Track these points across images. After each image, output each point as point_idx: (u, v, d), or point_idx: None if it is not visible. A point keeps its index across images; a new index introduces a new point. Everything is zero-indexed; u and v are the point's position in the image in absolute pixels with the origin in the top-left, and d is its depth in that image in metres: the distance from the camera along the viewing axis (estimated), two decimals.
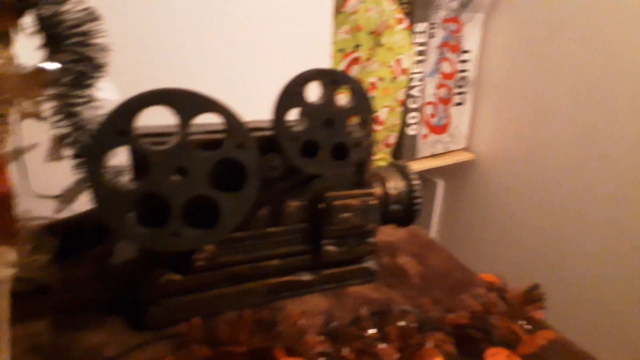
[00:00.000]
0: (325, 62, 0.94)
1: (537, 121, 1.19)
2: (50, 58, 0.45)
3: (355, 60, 1.13)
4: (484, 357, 0.42)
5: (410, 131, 1.26)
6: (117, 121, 0.38)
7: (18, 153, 0.51)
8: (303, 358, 0.36)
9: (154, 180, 0.40)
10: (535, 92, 1.18)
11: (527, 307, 0.46)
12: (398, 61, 1.14)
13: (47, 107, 0.48)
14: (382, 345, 0.41)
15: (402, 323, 0.44)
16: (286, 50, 0.85)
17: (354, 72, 1.12)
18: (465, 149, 1.38)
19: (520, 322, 0.44)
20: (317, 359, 0.38)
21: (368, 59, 1.13)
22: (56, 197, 0.54)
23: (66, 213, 0.56)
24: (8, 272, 0.36)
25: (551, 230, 1.18)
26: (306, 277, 0.50)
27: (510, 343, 0.43)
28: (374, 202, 0.50)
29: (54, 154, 0.52)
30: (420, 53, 1.21)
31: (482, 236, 1.36)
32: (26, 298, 0.45)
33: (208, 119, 0.44)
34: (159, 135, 0.42)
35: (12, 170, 0.54)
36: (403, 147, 1.27)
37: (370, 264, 0.54)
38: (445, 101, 1.31)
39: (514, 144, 1.26)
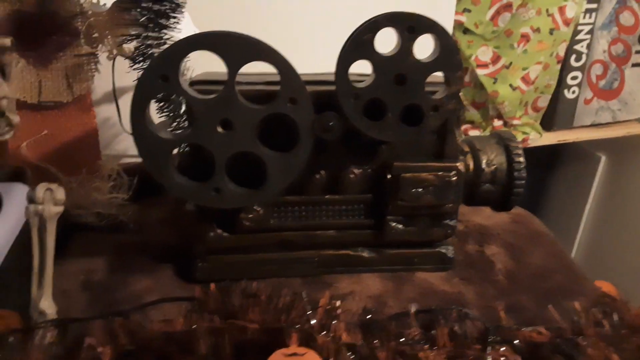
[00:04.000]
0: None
1: None
2: None
3: (507, 7, 0.96)
4: None
5: (569, 94, 1.06)
6: (161, 66, 0.36)
7: (111, 92, 0.54)
8: (316, 351, 0.32)
9: (198, 131, 0.37)
10: None
11: None
12: (562, 9, 0.95)
13: (132, 47, 0.49)
14: (426, 350, 0.34)
15: (458, 327, 0.36)
16: None
17: (503, 20, 0.96)
18: None
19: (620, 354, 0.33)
20: (340, 352, 0.33)
21: (523, 5, 0.96)
22: None
23: None
24: (56, 210, 0.37)
25: None
26: (365, 253, 0.45)
27: None
28: (454, 178, 0.41)
29: None
30: (593, 0, 0.98)
31: None
32: (98, 233, 0.48)
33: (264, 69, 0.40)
34: (208, 83, 0.39)
35: (106, 108, 0.57)
36: (556, 113, 1.07)
37: (446, 249, 0.45)
38: (620, 61, 1.06)
39: None
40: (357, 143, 0.41)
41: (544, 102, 1.06)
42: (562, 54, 1.00)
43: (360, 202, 0.43)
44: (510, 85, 1.00)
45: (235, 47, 0.35)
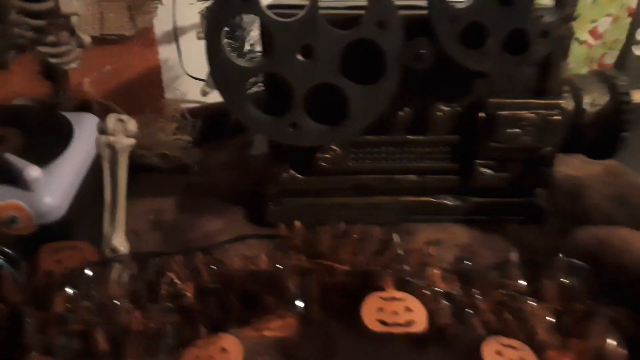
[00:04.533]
0: None
1: None
2: None
3: None
4: None
5: (639, 51, 0.98)
6: None
7: (171, 31, 0.51)
8: (415, 296, 0.29)
9: (276, 59, 0.34)
10: None
11: None
12: None
13: None
14: (532, 303, 0.31)
15: (567, 280, 0.32)
16: None
17: None
18: None
19: None
20: (437, 300, 0.30)
21: None
22: (203, 80, 0.53)
23: (213, 97, 0.55)
24: (128, 142, 0.35)
25: None
26: (449, 201, 0.41)
27: None
28: (557, 118, 0.37)
29: (203, 32, 0.51)
30: None
31: None
32: (163, 175, 0.46)
33: None
34: (288, 7, 0.35)
35: (165, 49, 0.55)
36: (625, 70, 0.99)
37: (539, 199, 0.41)
38: None
39: None
40: (447, 76, 0.36)
41: (611, 58, 0.98)
42: (634, 5, 0.92)
43: (447, 143, 0.39)
44: (577, 39, 0.92)
45: None
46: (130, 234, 0.38)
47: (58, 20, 0.31)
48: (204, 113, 0.50)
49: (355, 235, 0.31)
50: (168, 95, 0.53)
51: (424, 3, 0.34)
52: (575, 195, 0.45)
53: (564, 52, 0.36)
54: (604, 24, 0.93)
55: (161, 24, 0.50)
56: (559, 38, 0.34)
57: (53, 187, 0.29)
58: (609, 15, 0.92)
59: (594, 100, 0.39)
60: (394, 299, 0.29)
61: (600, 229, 0.37)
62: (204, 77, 0.54)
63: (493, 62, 0.34)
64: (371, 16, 0.33)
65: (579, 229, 0.37)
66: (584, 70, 0.98)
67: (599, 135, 0.40)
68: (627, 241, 0.34)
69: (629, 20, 0.95)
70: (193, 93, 0.58)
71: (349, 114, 0.35)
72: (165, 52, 0.55)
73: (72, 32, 0.31)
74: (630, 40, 0.98)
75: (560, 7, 0.33)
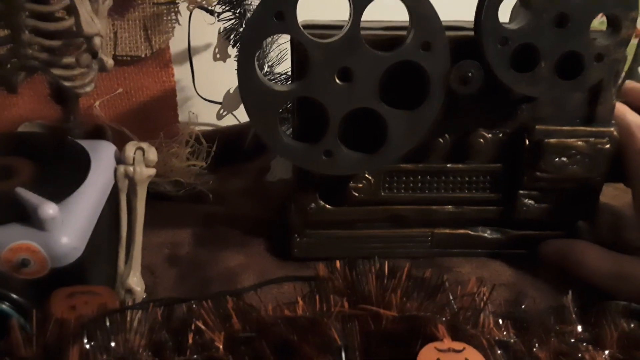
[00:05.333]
0: None
1: None
2: None
3: None
4: None
5: None
6: (276, 1, 0.30)
7: (185, 51, 0.49)
8: (472, 345, 0.26)
9: (312, 82, 0.31)
10: None
11: None
12: None
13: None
14: (594, 352, 0.28)
15: (627, 325, 0.30)
16: None
17: None
18: None
19: None
20: (493, 350, 0.27)
21: None
22: (218, 102, 0.50)
23: (228, 121, 0.53)
24: (148, 172, 0.32)
25: None
26: (487, 234, 0.38)
27: None
28: (608, 147, 0.35)
29: (220, 53, 0.48)
30: None
31: None
32: (177, 203, 0.43)
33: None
34: (327, 27, 0.33)
35: (177, 70, 0.52)
36: None
37: (583, 232, 0.39)
38: None
39: None
40: (492, 101, 0.34)
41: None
42: None
43: (488, 172, 0.37)
44: None
45: None
46: (145, 271, 0.35)
47: (76, 40, 0.28)
48: (219, 137, 0.47)
49: (404, 276, 0.28)
50: (181, 117, 0.50)
51: (470, 24, 0.32)
52: (615, 227, 0.43)
53: (618, 76, 0.34)
54: None
55: (174, 44, 0.48)
56: (614, 62, 0.32)
57: (70, 225, 0.26)
58: None
59: None
60: (452, 350, 0.26)
61: (563, 242, 0.37)
62: (216, 99, 0.51)
63: (545, 86, 0.32)
64: (416, 37, 0.31)
65: (545, 242, 0.38)
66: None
67: None
68: (583, 255, 0.35)
69: (635, 41, 0.94)
70: (205, 115, 0.55)
71: (387, 141, 0.33)
72: (178, 73, 0.52)
73: (95, 54, 0.28)
74: (636, 60, 0.97)
75: (617, 30, 0.31)
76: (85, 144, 0.31)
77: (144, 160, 0.32)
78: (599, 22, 0.34)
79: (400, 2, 0.30)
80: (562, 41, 0.31)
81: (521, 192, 0.37)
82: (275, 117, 0.32)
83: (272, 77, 0.48)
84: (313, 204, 0.37)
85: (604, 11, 0.31)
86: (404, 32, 0.32)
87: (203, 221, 0.41)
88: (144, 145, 0.32)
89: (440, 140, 0.35)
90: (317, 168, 0.33)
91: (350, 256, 0.37)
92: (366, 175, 0.36)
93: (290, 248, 0.38)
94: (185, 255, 0.38)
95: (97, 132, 0.36)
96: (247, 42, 0.30)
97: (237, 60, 0.31)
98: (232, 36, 0.44)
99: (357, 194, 0.36)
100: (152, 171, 0.32)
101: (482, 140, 0.35)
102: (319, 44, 0.31)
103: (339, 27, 0.31)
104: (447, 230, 0.38)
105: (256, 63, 0.31)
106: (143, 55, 0.42)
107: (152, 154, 0.32)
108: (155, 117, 0.45)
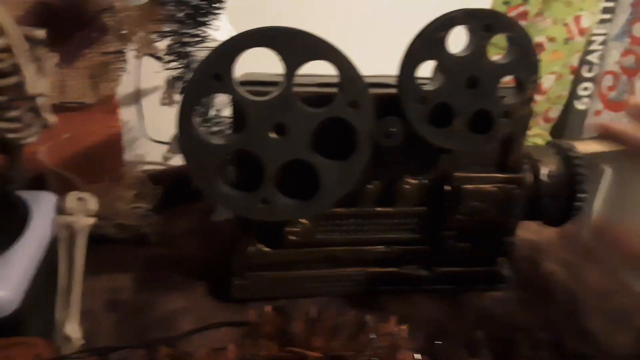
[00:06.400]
0: None
1: None
2: None
3: (523, 15, 0.95)
4: None
5: (580, 105, 1.05)
6: (214, 63, 0.32)
7: (134, 94, 0.50)
8: None
9: (249, 136, 0.34)
10: None
11: None
12: (577, 19, 0.94)
13: (163, 46, 0.45)
14: None
15: (535, 356, 0.33)
16: None
17: None
18: None
19: None
20: None
21: (539, 14, 0.95)
22: (166, 143, 0.52)
23: (175, 161, 0.54)
24: (88, 222, 0.33)
25: None
26: (416, 272, 0.41)
27: None
28: (518, 191, 0.39)
29: (167, 98, 0.50)
30: (607, 10, 0.97)
31: None
32: (121, 247, 0.44)
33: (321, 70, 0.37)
34: (263, 84, 0.35)
35: (126, 111, 0.53)
36: (567, 124, 1.06)
37: (502, 267, 0.42)
38: (631, 72, 1.05)
39: None
40: (415, 151, 0.37)
41: (555, 113, 1.04)
42: (575, 64, 0.99)
43: (414, 215, 0.40)
44: None
45: (295, 44, 0.32)
46: (85, 316, 0.35)
47: (21, 96, 0.30)
48: (165, 178, 0.48)
49: (329, 320, 0.30)
50: (128, 157, 0.51)
51: (391, 80, 0.35)
52: (533, 261, 0.47)
53: (524, 130, 0.38)
54: (548, 81, 0.99)
55: (123, 87, 0.49)
56: (520, 118, 0.36)
57: (7, 278, 0.27)
58: (552, 73, 0.98)
59: (551, 171, 0.42)
60: None
61: None
62: (165, 139, 0.53)
63: (459, 140, 0.35)
64: (344, 96, 0.34)
65: None
66: (531, 123, 1.03)
67: (555, 205, 0.42)
68: None
69: (571, 77, 1.02)
70: (154, 155, 0.57)
71: (320, 189, 0.35)
72: (127, 114, 0.53)
73: (37, 113, 0.29)
74: (572, 95, 1.05)
75: (522, 90, 0.35)
76: (26, 194, 0.32)
77: (84, 209, 0.33)
78: None
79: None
80: (473, 100, 0.35)
81: (444, 232, 0.40)
82: (213, 169, 0.34)
83: (219, 121, 0.50)
84: (252, 247, 0.39)
85: (509, 75, 0.35)
86: (334, 89, 0.34)
87: (145, 264, 0.42)
88: (85, 195, 0.33)
89: (370, 186, 0.38)
90: (255, 215, 0.35)
91: (288, 296, 0.40)
92: (302, 220, 0.38)
93: (231, 290, 0.39)
94: (125, 300, 0.38)
95: (40, 179, 0.37)
96: (187, 101, 0.32)
97: (178, 116, 0.33)
98: (178, 84, 0.45)
99: (293, 237, 0.38)
100: (92, 220, 0.33)
101: (407, 186, 0.39)
102: (255, 102, 0.33)
103: (276, 84, 0.34)
104: (379, 269, 0.41)
105: (195, 118, 0.33)
106: (90, 102, 0.43)
107: (93, 203, 0.33)
108: (101, 161, 0.45)
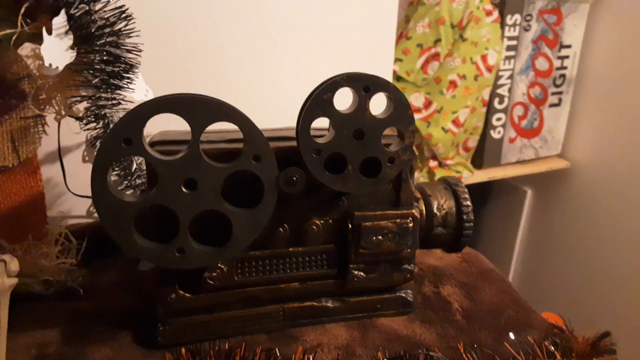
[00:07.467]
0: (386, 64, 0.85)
1: None
2: (81, 58, 0.44)
3: (435, 56, 1.04)
4: None
5: (495, 134, 1.15)
6: (124, 129, 0.35)
7: (56, 151, 0.52)
8: None
9: (161, 193, 0.37)
10: None
11: None
12: (484, 57, 1.04)
13: (82, 108, 0.48)
14: None
15: None
16: (344, 50, 0.79)
17: (432, 68, 1.04)
18: (559, 156, 1.23)
19: None
20: None
21: (449, 55, 1.04)
22: (89, 197, 0.54)
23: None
24: (10, 282, 0.35)
25: None
26: (329, 303, 0.45)
27: None
28: (411, 224, 0.44)
29: (88, 156, 0.52)
30: (511, 48, 1.09)
31: (573, 257, 1.21)
32: (46, 302, 0.45)
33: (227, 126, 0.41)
34: (172, 143, 0.39)
35: (50, 168, 0.55)
36: (485, 152, 1.16)
37: (406, 293, 0.47)
38: (538, 102, 1.17)
39: (617, 153, 1.09)
40: (318, 195, 0.42)
41: (473, 142, 1.14)
42: (486, 97, 1.09)
43: (323, 252, 0.44)
44: (442, 128, 1.07)
45: (199, 109, 0.36)
46: None
47: None
48: (90, 232, 0.50)
49: (238, 356, 0.34)
50: (51, 213, 0.53)
51: (291, 132, 0.39)
52: (435, 284, 0.52)
53: (411, 171, 0.43)
54: (463, 114, 1.08)
55: (46, 145, 0.51)
56: (404, 162, 0.41)
57: None
58: (467, 106, 1.07)
59: (441, 204, 0.47)
60: None
61: None
62: (87, 194, 0.55)
63: (353, 184, 0.40)
64: (248, 151, 0.38)
65: None
66: (452, 153, 1.12)
67: (448, 234, 0.47)
68: None
69: (484, 110, 1.12)
70: (78, 209, 0.58)
71: (233, 235, 0.39)
72: (49, 171, 0.55)
73: None
74: (487, 125, 1.15)
75: (402, 139, 0.41)
76: None
77: (5, 271, 0.35)
78: None
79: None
80: (362, 149, 0.40)
81: (351, 266, 0.44)
82: (128, 225, 0.37)
83: (141, 174, 0.53)
84: (173, 295, 0.41)
85: (389, 126, 0.40)
86: (241, 144, 0.38)
87: (72, 318, 0.44)
88: (6, 257, 0.35)
89: (281, 229, 0.42)
90: (172, 265, 0.38)
91: (212, 338, 0.42)
92: (219, 264, 0.42)
93: (156, 337, 0.42)
94: (52, 354, 0.40)
95: None
96: (99, 164, 0.35)
97: (91, 179, 0.35)
98: (97, 143, 0.48)
99: (212, 282, 0.41)
100: (14, 280, 0.35)
101: (314, 227, 0.43)
102: (165, 161, 0.36)
103: (187, 142, 0.37)
104: (296, 304, 0.45)
105: (109, 179, 0.36)
106: (10, 165, 0.45)
107: (14, 265, 0.35)
108: (24, 220, 0.47)
